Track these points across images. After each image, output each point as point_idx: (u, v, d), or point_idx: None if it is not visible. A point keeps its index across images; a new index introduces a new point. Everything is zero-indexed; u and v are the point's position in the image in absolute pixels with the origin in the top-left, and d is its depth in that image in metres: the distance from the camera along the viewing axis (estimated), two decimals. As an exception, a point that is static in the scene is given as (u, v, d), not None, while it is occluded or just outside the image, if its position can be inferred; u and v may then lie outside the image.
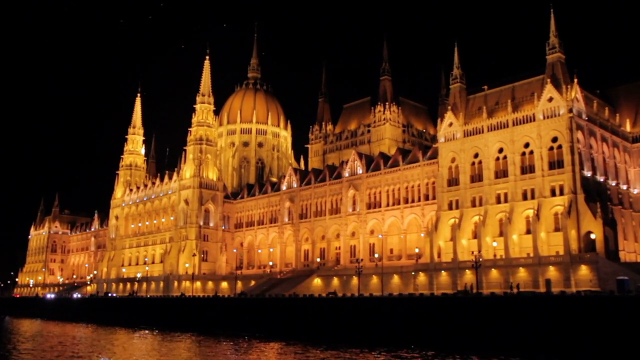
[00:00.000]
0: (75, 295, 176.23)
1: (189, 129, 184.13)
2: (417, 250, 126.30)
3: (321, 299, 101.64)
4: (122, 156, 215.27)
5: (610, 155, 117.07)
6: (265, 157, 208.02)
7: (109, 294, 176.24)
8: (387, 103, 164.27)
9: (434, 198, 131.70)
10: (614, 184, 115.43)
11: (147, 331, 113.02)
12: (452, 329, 73.56)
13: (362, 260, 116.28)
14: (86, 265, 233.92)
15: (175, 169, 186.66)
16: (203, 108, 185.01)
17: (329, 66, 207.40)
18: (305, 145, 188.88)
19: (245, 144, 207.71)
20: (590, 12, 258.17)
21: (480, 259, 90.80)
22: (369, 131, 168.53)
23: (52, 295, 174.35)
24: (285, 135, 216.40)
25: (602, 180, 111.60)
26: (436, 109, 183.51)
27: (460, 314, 74.26)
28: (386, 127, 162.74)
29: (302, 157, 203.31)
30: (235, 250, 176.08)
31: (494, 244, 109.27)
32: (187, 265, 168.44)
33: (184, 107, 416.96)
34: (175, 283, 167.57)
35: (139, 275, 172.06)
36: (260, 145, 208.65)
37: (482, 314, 72.70)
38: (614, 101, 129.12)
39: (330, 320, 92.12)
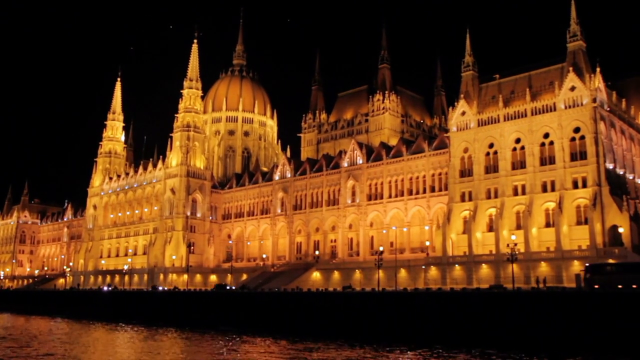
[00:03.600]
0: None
1: (176, 115, 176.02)
2: (428, 244, 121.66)
3: (338, 293, 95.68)
4: (100, 143, 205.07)
5: (628, 148, 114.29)
6: (251, 147, 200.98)
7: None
8: (386, 92, 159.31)
9: (440, 190, 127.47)
10: (630, 178, 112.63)
11: (133, 327, 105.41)
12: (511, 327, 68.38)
13: (382, 252, 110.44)
14: (62, 256, 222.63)
15: (161, 156, 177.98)
16: (191, 94, 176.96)
17: (321, 54, 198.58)
18: (298, 134, 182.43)
19: (231, 133, 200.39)
20: (591, 4, 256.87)
21: (513, 252, 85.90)
22: (366, 120, 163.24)
23: (108, 288, 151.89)
24: (271, 125, 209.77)
25: (622, 173, 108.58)
26: (432, 100, 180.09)
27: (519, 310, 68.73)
28: (385, 116, 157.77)
29: (288, 147, 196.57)
30: (231, 242, 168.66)
31: (513, 237, 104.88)
32: (173, 257, 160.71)
33: (162, 94, 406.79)
34: (161, 276, 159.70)
35: (126, 267, 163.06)
36: (246, 134, 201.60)
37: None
38: (625, 93, 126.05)
39: (348, 316, 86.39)
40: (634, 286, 66.07)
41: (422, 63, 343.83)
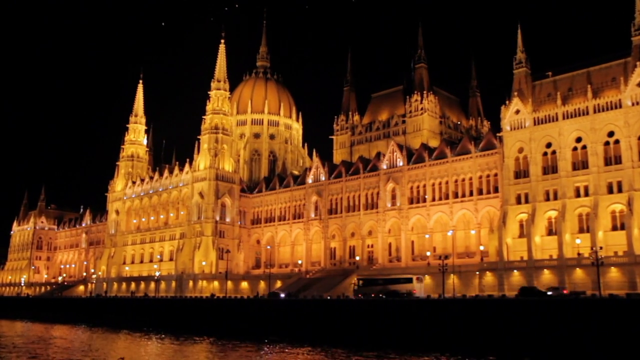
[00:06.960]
0: (100, 296, 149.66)
1: (203, 117, 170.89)
2: (482, 248, 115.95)
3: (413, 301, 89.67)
4: (122, 146, 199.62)
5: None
6: (277, 150, 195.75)
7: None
8: (424, 92, 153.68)
9: (488, 192, 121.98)
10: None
11: (163, 336, 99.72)
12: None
13: (446, 257, 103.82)
14: (85, 262, 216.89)
15: (187, 159, 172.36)
16: (218, 95, 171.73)
17: (352, 54, 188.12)
18: (330, 137, 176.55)
19: (257, 136, 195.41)
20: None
21: (598, 257, 79.85)
22: (403, 122, 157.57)
23: (283, 295, 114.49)
24: (297, 128, 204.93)
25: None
26: (466, 100, 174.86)
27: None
28: (424, 117, 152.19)
29: (314, 150, 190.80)
30: (269, 247, 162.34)
31: (577, 241, 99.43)
32: (203, 263, 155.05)
33: (179, 97, 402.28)
34: (191, 282, 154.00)
35: (157, 274, 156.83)
36: (272, 137, 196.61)
37: None
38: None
39: (412, 325, 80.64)
40: (381, 295, 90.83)
41: (455, 63, 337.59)
